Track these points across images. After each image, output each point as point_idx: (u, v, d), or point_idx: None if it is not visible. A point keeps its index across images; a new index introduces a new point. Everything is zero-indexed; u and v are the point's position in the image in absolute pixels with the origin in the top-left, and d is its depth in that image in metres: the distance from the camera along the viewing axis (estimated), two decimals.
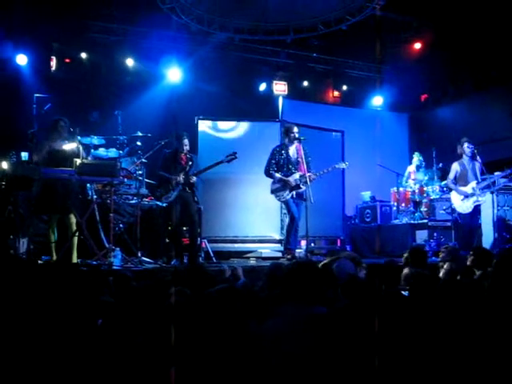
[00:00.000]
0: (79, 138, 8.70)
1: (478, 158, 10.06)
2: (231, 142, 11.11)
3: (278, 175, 9.33)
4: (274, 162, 9.43)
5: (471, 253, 6.44)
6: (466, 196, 9.89)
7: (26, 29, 11.49)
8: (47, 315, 2.91)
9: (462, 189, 9.97)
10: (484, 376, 2.86)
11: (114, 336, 3.09)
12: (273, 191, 9.41)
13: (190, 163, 9.27)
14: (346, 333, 2.93)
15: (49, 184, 8.00)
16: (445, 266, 6.34)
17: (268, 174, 9.45)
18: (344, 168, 10.21)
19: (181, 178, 8.99)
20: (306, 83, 15.08)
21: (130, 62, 12.80)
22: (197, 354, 2.65)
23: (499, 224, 10.30)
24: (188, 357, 2.68)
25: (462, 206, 9.95)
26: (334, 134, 12.24)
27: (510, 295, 3.69)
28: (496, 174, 10.14)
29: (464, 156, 10.12)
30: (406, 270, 4.36)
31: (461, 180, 10.07)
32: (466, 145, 10.09)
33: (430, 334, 2.99)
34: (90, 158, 8.91)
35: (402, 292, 4.20)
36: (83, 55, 12.47)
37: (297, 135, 9.43)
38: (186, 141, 9.26)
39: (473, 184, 9.92)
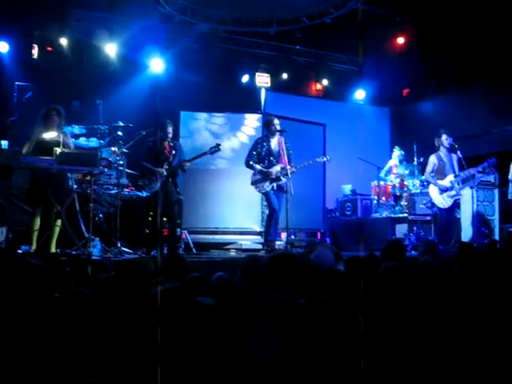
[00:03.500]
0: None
1: (457, 151, 10.05)
2: (213, 134, 11.11)
3: (258, 167, 9.33)
4: (255, 153, 9.44)
5: (457, 246, 6.50)
6: (445, 190, 9.89)
7: (8, 16, 11.37)
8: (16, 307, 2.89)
9: (440, 183, 9.95)
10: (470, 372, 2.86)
11: (91, 327, 3.08)
12: (253, 182, 9.41)
13: (174, 152, 9.20)
14: (331, 329, 2.91)
15: (37, 175, 7.95)
16: (422, 260, 6.37)
17: (248, 165, 9.45)
18: (325, 162, 10.24)
19: (164, 169, 8.96)
20: (288, 76, 15.05)
21: (112, 52, 12.70)
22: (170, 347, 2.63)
23: (478, 219, 10.37)
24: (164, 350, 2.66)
25: (442, 200, 9.94)
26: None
27: (490, 289, 3.71)
28: (472, 168, 10.12)
29: (441, 148, 10.08)
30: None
31: (438, 173, 10.02)
32: (444, 136, 10.03)
33: (412, 329, 3.00)
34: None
35: None
36: (65, 43, 12.35)
37: (278, 127, 9.43)
38: (170, 128, 9.20)
39: (450, 177, 9.91)
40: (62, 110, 8.38)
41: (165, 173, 8.94)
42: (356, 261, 4.84)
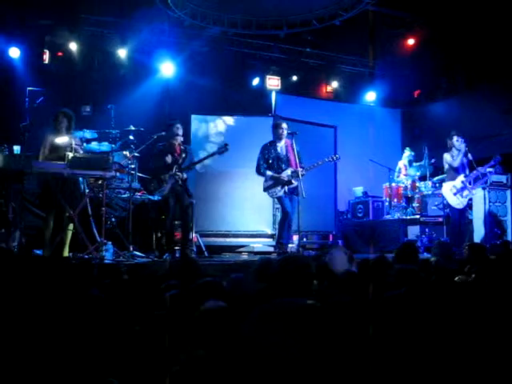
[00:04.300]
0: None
1: (468, 153, 10.00)
2: (224, 137, 11.12)
3: (269, 173, 9.26)
4: (263, 160, 9.38)
5: (466, 248, 6.45)
6: (459, 190, 9.83)
7: (19, 22, 11.45)
8: (37, 308, 2.90)
9: (452, 183, 9.92)
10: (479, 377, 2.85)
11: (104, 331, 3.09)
12: (265, 189, 9.34)
13: (184, 155, 9.11)
14: (345, 329, 2.90)
15: (49, 180, 7.96)
16: (435, 262, 6.35)
17: (259, 172, 9.38)
18: (336, 162, 10.15)
19: (174, 171, 8.91)
20: (299, 78, 15.07)
21: (123, 56, 12.77)
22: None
23: (490, 220, 10.33)
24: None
25: (457, 201, 9.85)
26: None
27: (503, 290, 3.70)
28: (481, 167, 10.06)
29: (453, 149, 10.05)
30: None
31: (449, 174, 10.03)
32: (455, 138, 10.00)
33: (424, 332, 2.99)
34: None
35: None
36: (76, 49, 12.42)
37: (285, 132, 9.35)
38: (178, 125, 9.06)
39: (461, 177, 9.87)
40: (69, 112, 8.34)
41: (175, 175, 8.92)
42: (368, 263, 4.84)
